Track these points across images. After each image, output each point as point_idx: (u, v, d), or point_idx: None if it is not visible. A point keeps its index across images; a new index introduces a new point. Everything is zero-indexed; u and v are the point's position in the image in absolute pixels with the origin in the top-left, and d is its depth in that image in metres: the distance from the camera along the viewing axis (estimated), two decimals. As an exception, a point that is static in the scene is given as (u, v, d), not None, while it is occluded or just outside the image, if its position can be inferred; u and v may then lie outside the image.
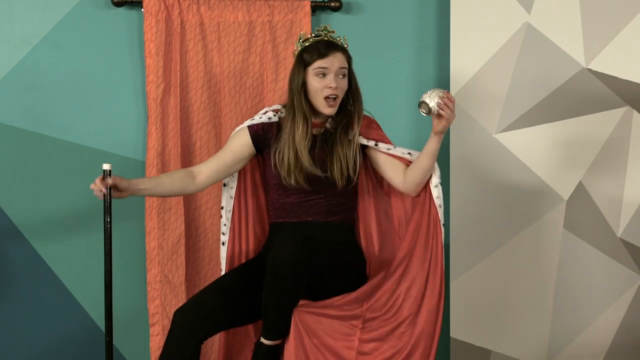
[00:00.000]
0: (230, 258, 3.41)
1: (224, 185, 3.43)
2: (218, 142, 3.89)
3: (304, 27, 3.87)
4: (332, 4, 3.92)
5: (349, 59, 3.32)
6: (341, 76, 3.28)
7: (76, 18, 3.88)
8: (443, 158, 3.98)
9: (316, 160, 3.27)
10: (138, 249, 3.88)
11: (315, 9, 3.92)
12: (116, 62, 3.90)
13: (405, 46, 4.00)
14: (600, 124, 3.86)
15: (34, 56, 3.87)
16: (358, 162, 3.30)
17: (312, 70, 3.26)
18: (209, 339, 3.26)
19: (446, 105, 3.12)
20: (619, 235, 3.88)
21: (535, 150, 3.87)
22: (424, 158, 3.23)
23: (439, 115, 3.14)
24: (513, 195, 3.87)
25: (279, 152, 3.27)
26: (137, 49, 3.90)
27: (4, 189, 3.88)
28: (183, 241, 3.85)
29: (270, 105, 3.78)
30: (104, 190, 3.15)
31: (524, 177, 3.87)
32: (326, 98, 3.25)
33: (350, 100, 3.33)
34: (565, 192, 3.88)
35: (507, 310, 3.89)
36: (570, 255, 3.88)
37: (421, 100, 3.15)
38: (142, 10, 3.84)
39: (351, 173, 3.28)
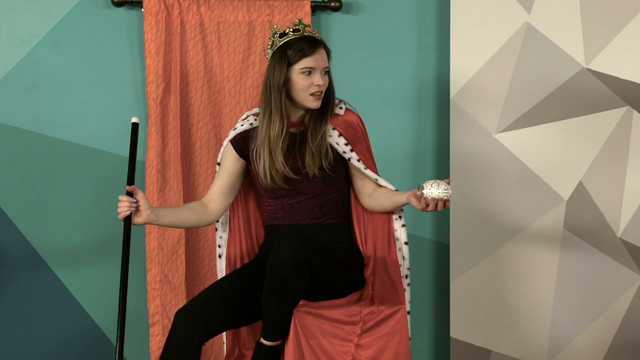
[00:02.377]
0: (227, 262, 3.41)
1: None
2: (218, 142, 3.89)
3: (304, 27, 3.87)
4: (332, 4, 3.92)
5: (328, 53, 3.28)
6: (324, 73, 3.25)
7: (76, 18, 3.88)
8: (443, 158, 3.99)
9: (297, 157, 3.26)
10: (138, 249, 3.88)
11: (315, 9, 3.92)
12: (116, 62, 3.90)
13: (405, 46, 4.00)
14: (600, 124, 3.86)
15: (34, 56, 3.87)
16: (330, 152, 3.25)
17: (297, 68, 3.22)
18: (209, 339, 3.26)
19: (435, 208, 3.11)
20: (619, 235, 3.88)
21: (535, 150, 3.87)
22: (390, 204, 3.24)
23: (424, 200, 3.10)
24: (513, 196, 3.87)
25: (256, 152, 3.26)
26: (137, 49, 3.90)
27: (4, 188, 3.88)
28: (183, 241, 3.85)
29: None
30: (132, 201, 3.12)
31: (524, 177, 3.87)
32: (312, 94, 3.23)
33: (326, 94, 3.29)
34: (565, 192, 3.88)
35: (507, 310, 3.89)
36: (570, 255, 3.88)
37: (424, 186, 3.10)
38: (142, 10, 3.83)
39: (324, 162, 3.24)
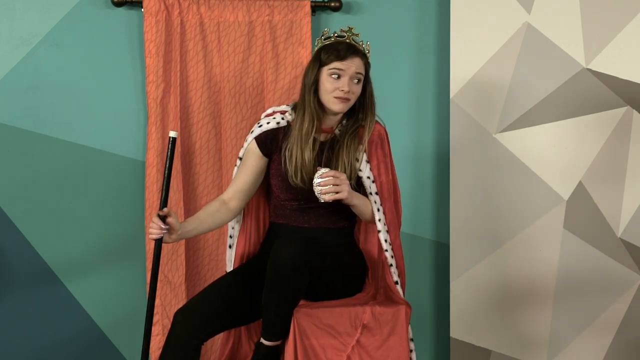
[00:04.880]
0: (235, 255, 3.41)
1: None
2: (218, 142, 3.89)
3: (303, 27, 3.87)
4: (332, 4, 3.92)
5: (367, 65, 3.26)
6: (355, 81, 3.23)
7: (76, 18, 3.88)
8: (443, 158, 3.99)
9: (322, 164, 3.25)
10: (138, 249, 3.89)
11: (315, 9, 3.92)
12: (116, 62, 3.90)
13: (405, 46, 4.00)
14: (600, 124, 3.86)
15: (34, 56, 3.87)
16: (357, 171, 3.26)
17: (327, 70, 3.21)
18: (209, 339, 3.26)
19: (326, 185, 3.11)
20: (619, 235, 3.88)
21: (535, 150, 3.87)
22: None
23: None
24: (513, 195, 3.87)
25: (289, 150, 3.25)
26: (137, 49, 3.90)
27: (3, 189, 3.88)
28: (183, 241, 3.85)
29: (270, 106, 3.77)
30: (163, 228, 3.13)
31: (524, 177, 3.87)
32: (336, 97, 3.22)
33: (362, 108, 3.29)
34: (565, 192, 3.88)
35: (507, 310, 3.89)
36: (570, 255, 3.88)
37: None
38: (142, 10, 3.84)
39: (352, 180, 3.26)
